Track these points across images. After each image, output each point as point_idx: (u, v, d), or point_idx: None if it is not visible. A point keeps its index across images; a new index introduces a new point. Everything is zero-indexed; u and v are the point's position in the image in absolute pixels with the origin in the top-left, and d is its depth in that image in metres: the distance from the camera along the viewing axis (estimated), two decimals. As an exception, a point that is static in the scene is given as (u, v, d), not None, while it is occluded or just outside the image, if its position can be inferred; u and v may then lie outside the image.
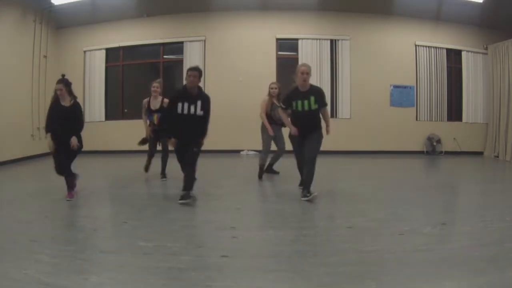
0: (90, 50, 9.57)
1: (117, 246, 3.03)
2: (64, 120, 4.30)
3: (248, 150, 9.07)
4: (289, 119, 4.60)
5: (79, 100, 4.64)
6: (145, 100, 5.72)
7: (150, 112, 5.65)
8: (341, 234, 3.24)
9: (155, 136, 5.68)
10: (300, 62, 9.06)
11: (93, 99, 9.54)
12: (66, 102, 4.40)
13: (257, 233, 3.40)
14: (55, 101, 4.41)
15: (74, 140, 4.30)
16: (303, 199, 4.30)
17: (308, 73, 4.34)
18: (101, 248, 2.94)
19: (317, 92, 4.43)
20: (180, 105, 4.22)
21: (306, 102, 4.34)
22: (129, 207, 4.21)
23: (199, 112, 4.24)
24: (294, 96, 4.40)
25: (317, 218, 3.81)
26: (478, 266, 2.49)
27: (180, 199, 4.23)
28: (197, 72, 4.27)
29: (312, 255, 2.77)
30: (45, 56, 8.85)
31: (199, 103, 4.23)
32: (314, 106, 4.37)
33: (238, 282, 2.32)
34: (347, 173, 6.74)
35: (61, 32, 9.52)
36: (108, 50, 9.56)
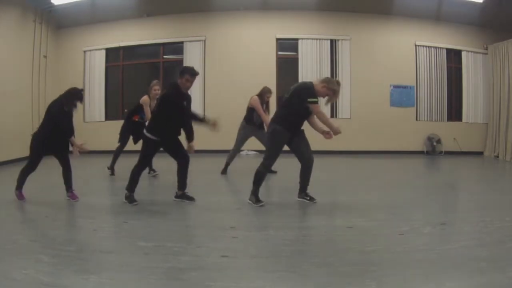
0: (90, 50, 9.56)
1: (117, 246, 3.03)
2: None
3: (248, 150, 9.06)
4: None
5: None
6: (147, 98, 5.68)
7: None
8: (341, 234, 3.24)
9: (136, 135, 5.82)
10: (300, 62, 9.15)
11: (93, 99, 9.53)
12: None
13: (257, 233, 3.41)
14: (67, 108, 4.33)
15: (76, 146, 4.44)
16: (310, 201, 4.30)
17: None
18: (101, 248, 2.93)
19: None
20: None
21: None
22: (129, 207, 4.21)
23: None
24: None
25: (317, 218, 3.81)
26: (478, 266, 2.49)
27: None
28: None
29: (312, 255, 2.77)
30: (45, 56, 8.84)
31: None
32: None
33: (238, 282, 2.32)
34: (347, 173, 6.74)
35: (61, 32, 9.51)
36: (108, 50, 9.56)
